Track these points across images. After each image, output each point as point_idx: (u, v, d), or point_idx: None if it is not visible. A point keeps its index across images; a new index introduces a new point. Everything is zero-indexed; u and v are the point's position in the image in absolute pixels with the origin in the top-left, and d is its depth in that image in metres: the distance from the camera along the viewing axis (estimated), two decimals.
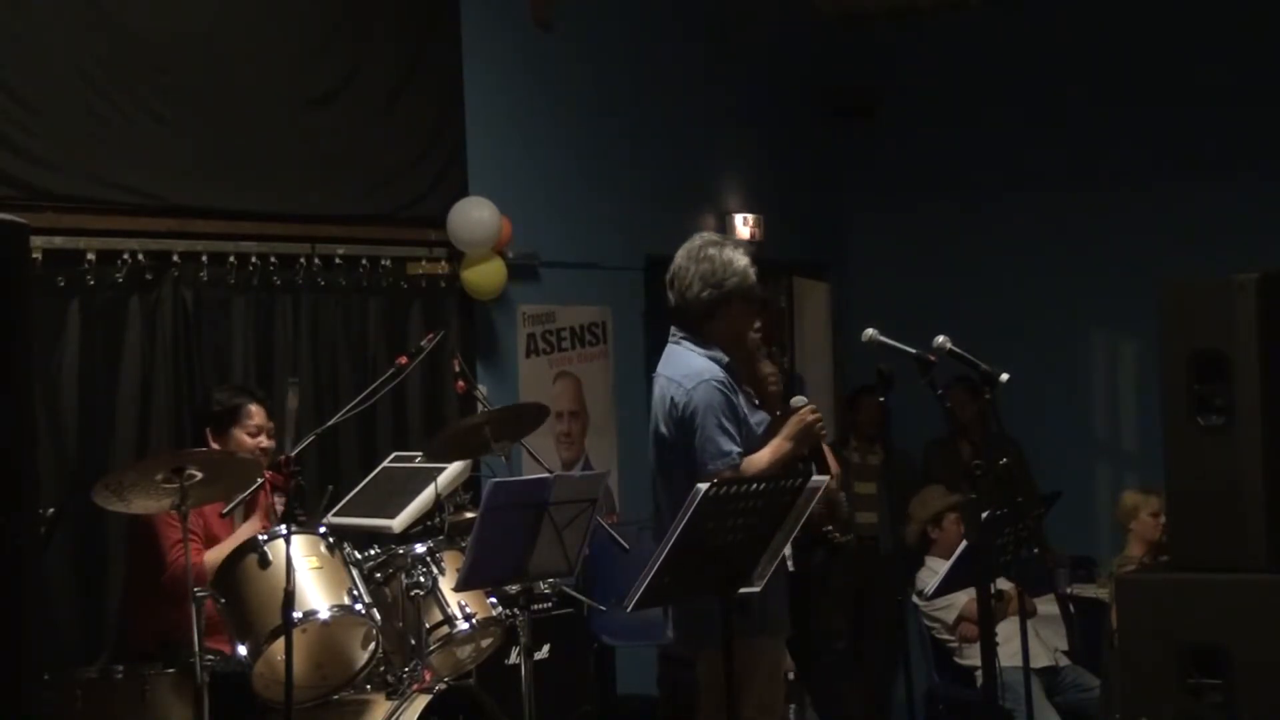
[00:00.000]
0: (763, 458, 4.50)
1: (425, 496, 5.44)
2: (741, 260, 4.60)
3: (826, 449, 5.55)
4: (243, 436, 5.28)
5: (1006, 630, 6.31)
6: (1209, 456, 4.77)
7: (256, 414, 5.32)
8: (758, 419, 4.64)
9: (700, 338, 4.62)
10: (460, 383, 6.00)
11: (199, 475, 4.59)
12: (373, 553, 5.12)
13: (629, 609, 3.78)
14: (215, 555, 4.99)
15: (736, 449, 4.46)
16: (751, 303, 4.63)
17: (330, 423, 5.47)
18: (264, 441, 5.31)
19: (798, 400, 4.53)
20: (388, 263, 6.50)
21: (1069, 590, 7.32)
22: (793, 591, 5.57)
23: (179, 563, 4.89)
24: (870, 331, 4.96)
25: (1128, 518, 7.14)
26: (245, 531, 5.06)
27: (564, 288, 7.33)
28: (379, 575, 5.06)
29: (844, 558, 5.68)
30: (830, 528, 5.66)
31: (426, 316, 6.60)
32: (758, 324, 4.64)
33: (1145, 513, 6.95)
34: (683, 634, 4.63)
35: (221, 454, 5.06)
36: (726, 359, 4.60)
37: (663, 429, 4.59)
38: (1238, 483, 4.73)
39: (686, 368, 4.56)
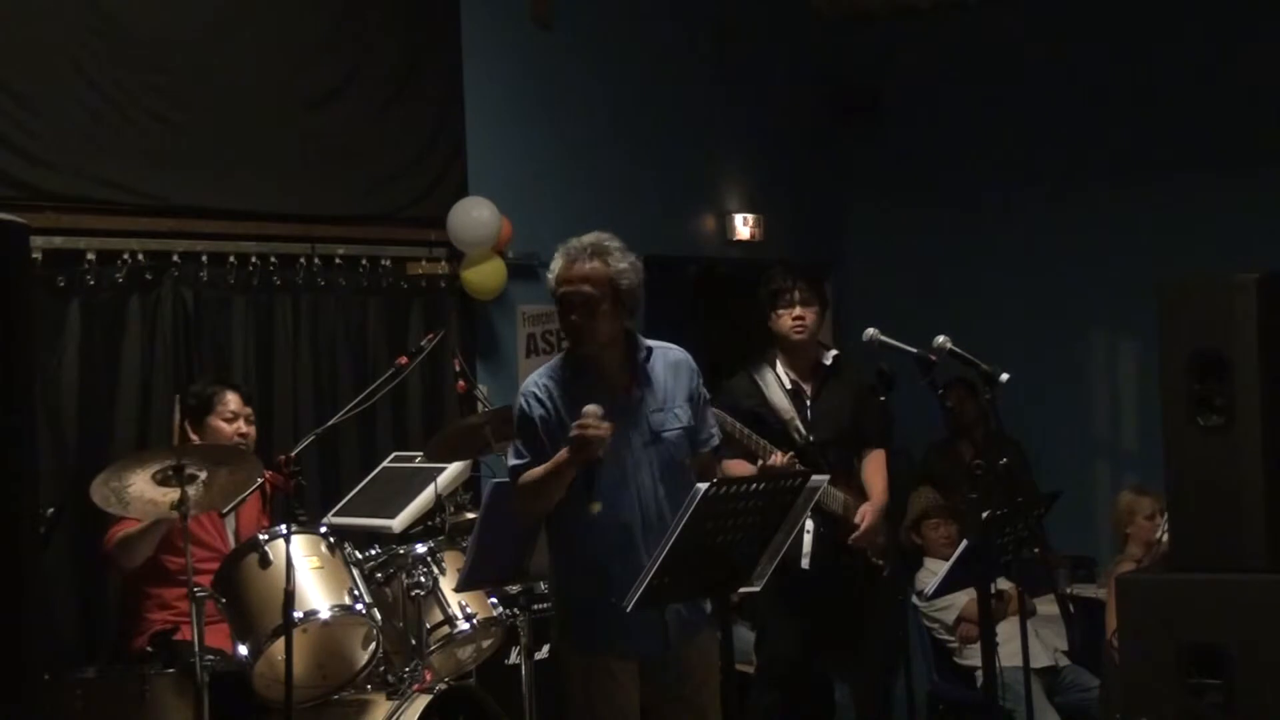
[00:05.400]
0: (536, 470, 4.19)
1: (425, 496, 5.45)
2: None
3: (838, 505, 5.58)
4: (219, 423, 5.28)
5: (1006, 630, 6.30)
6: (1209, 456, 4.76)
7: (231, 400, 5.33)
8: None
9: None
10: (460, 383, 6.01)
11: (200, 474, 4.59)
12: (373, 553, 5.12)
13: (628, 609, 3.77)
14: (131, 529, 5.04)
15: (516, 461, 4.24)
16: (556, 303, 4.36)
17: (330, 423, 5.48)
18: (242, 427, 5.32)
19: (587, 408, 4.10)
20: (388, 263, 6.50)
21: (1069, 590, 7.31)
22: (802, 592, 5.61)
23: (112, 539, 5.07)
24: (870, 331, 4.96)
25: (1123, 521, 7.13)
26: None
27: None
28: (380, 575, 5.07)
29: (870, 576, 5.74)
30: (881, 562, 5.67)
31: (426, 316, 6.60)
32: (572, 316, 4.27)
33: (1141, 515, 6.94)
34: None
35: (217, 447, 5.04)
36: (551, 373, 4.33)
37: None
38: (1238, 483, 4.73)
39: None
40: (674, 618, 4.24)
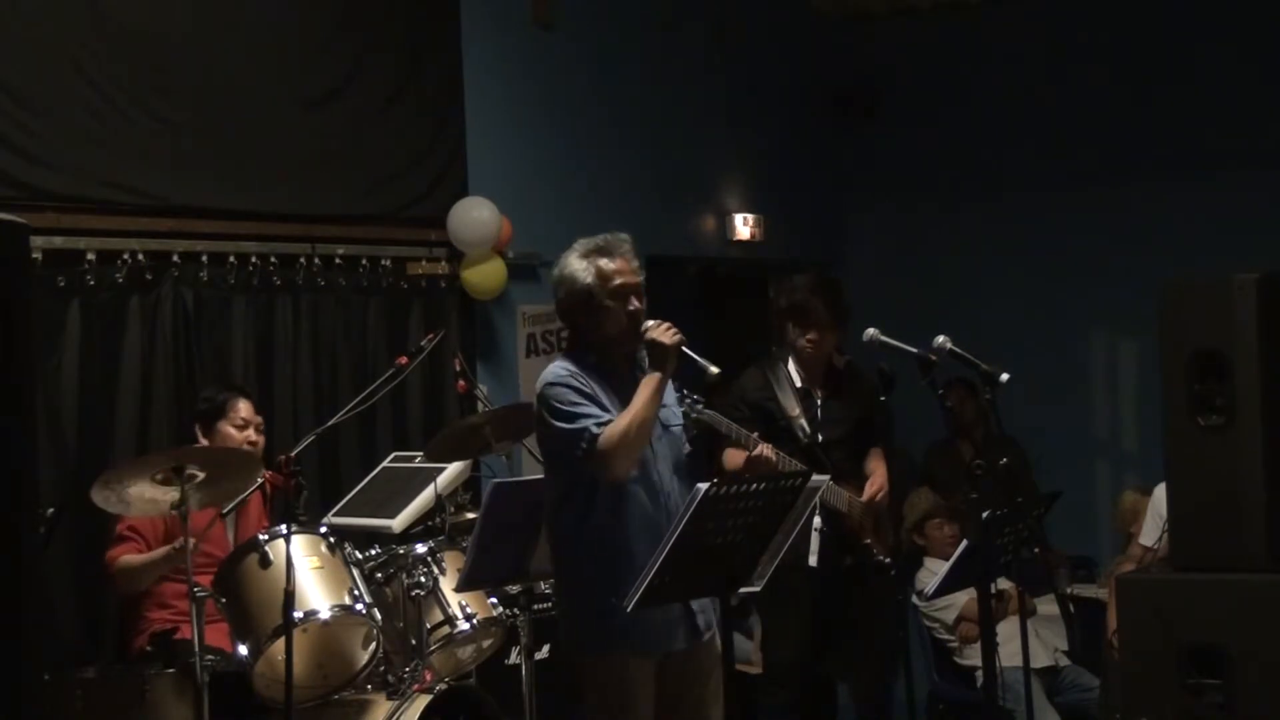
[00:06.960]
0: (634, 408, 4.16)
1: (425, 496, 5.45)
2: (572, 265, 4.35)
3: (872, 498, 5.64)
4: (229, 430, 5.29)
5: (1006, 630, 6.30)
6: (1209, 456, 4.77)
7: (243, 408, 5.34)
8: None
9: (569, 347, 4.49)
10: (460, 383, 6.01)
11: (199, 475, 4.60)
12: (373, 553, 5.12)
13: (628, 609, 3.77)
14: (134, 560, 5.08)
15: (594, 421, 4.16)
16: (588, 300, 4.29)
17: (330, 423, 5.48)
18: (252, 435, 5.33)
19: (647, 324, 4.19)
20: (388, 263, 6.50)
21: (1069, 590, 7.32)
22: (809, 590, 5.61)
23: (114, 562, 5.11)
24: (871, 331, 4.97)
25: (1127, 521, 7.13)
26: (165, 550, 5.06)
27: None
28: (380, 575, 5.07)
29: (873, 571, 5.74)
30: (870, 541, 5.68)
31: (426, 316, 6.60)
32: (633, 304, 4.26)
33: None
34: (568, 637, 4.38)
35: (220, 450, 5.06)
36: (574, 368, 4.29)
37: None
38: (1238, 483, 4.73)
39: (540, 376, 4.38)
40: (701, 609, 4.28)
